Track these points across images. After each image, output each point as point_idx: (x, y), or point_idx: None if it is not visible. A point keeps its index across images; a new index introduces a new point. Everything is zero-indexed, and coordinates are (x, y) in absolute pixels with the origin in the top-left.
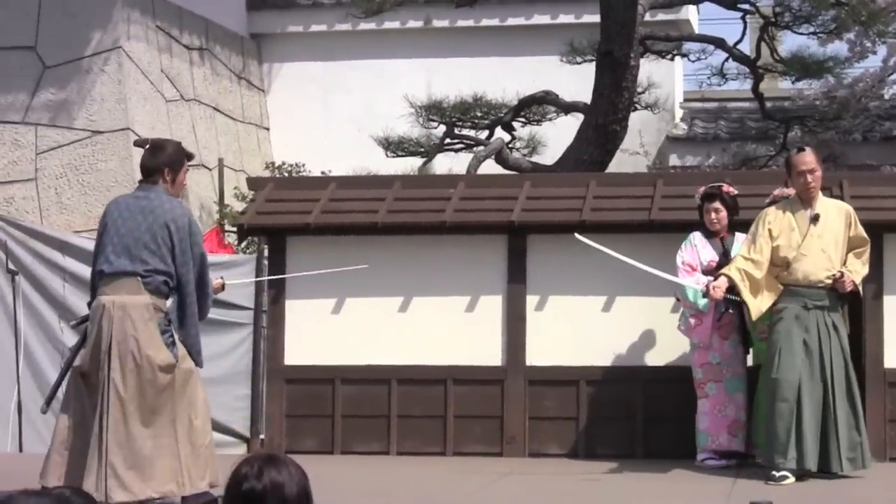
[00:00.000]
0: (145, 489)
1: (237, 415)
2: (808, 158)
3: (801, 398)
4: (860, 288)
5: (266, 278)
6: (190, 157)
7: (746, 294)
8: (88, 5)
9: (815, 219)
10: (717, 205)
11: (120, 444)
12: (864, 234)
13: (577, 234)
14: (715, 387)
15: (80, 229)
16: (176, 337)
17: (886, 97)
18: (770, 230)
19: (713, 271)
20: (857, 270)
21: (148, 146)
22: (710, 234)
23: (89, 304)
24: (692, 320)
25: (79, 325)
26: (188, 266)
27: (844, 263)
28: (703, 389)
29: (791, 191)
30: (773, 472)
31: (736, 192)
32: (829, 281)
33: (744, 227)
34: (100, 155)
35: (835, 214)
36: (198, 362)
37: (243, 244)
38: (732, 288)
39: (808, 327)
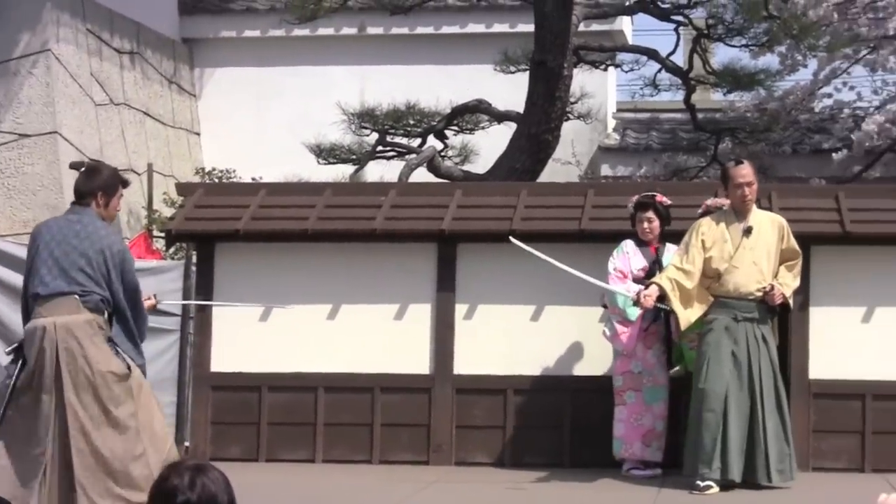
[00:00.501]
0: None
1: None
2: (746, 171)
3: (728, 409)
4: (790, 301)
5: (193, 302)
6: (125, 183)
7: (676, 304)
8: (17, 7)
9: (748, 231)
10: (651, 214)
11: (86, 466)
12: (797, 247)
13: (511, 238)
14: (634, 395)
15: (4, 233)
16: (120, 350)
17: (816, 110)
18: (703, 241)
19: (643, 280)
20: (788, 283)
21: (83, 169)
22: (641, 243)
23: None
24: (618, 327)
25: (14, 351)
26: (121, 294)
27: (776, 276)
28: (621, 397)
29: (723, 200)
30: (698, 482)
31: (669, 202)
32: (760, 293)
33: (674, 237)
34: (26, 158)
35: (768, 227)
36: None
37: (171, 250)
38: (663, 297)
39: (738, 339)
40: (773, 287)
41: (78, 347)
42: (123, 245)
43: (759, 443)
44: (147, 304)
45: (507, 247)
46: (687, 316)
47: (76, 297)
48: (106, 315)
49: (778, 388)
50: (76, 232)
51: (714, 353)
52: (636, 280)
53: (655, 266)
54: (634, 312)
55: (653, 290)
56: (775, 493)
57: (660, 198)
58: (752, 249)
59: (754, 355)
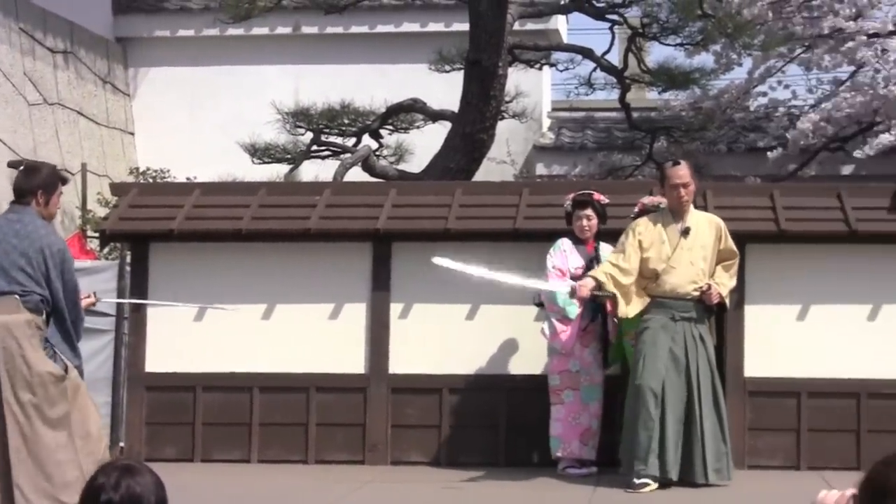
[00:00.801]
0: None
1: None
2: (683, 172)
3: (665, 407)
4: (727, 300)
5: (130, 301)
6: (64, 181)
7: (611, 286)
8: None
9: (685, 232)
10: (589, 212)
11: (23, 465)
12: (734, 248)
13: (434, 259)
14: (571, 394)
15: None
16: (56, 351)
17: (751, 109)
18: (640, 241)
19: (580, 278)
20: (725, 283)
21: (22, 168)
22: (578, 241)
23: None
24: (558, 326)
25: None
26: (60, 293)
27: (713, 276)
28: (558, 396)
29: (659, 199)
30: (634, 480)
31: (607, 200)
32: (697, 293)
33: (609, 235)
34: None
35: (705, 227)
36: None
37: (105, 250)
38: (600, 287)
39: (675, 338)
40: (709, 287)
41: (17, 347)
42: (63, 244)
43: (697, 442)
44: (86, 301)
45: (442, 245)
46: (625, 308)
47: (16, 296)
48: (44, 315)
49: (715, 386)
50: (16, 231)
51: (650, 350)
52: (574, 278)
53: (593, 263)
54: (574, 310)
55: (588, 281)
56: (712, 491)
57: (597, 196)
58: (690, 250)
59: (692, 354)
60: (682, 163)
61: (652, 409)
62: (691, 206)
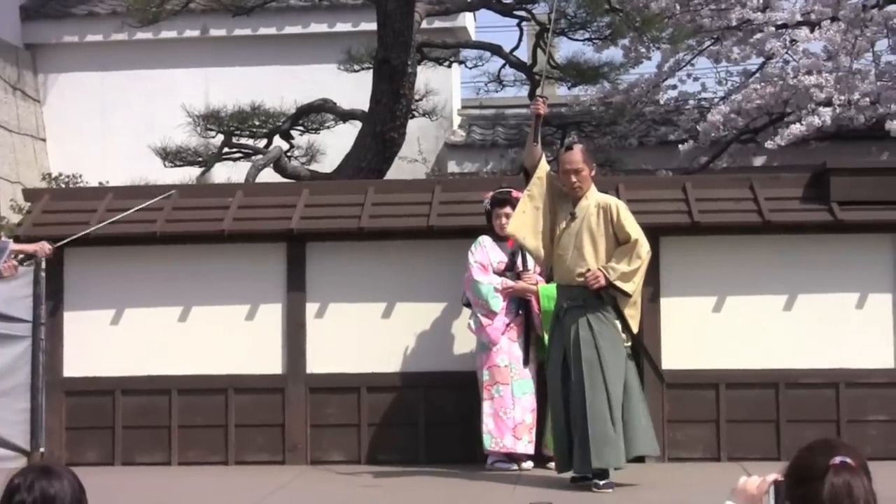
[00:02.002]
0: None
1: (18, 428)
2: (575, 157)
3: (568, 402)
4: (623, 285)
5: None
6: None
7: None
8: None
9: (571, 217)
10: (508, 210)
11: None
12: (628, 229)
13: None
14: (502, 389)
15: None
16: None
17: (662, 102)
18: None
19: (503, 273)
20: (615, 267)
21: None
22: (498, 238)
23: None
24: (483, 320)
25: None
26: None
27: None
28: (489, 391)
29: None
30: (558, 475)
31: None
32: (582, 280)
33: None
34: None
35: (593, 211)
36: None
37: (20, 256)
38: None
39: (565, 328)
40: (588, 270)
41: None
42: None
43: (575, 431)
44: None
45: (356, 244)
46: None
47: None
48: None
49: (604, 370)
50: None
51: (550, 348)
52: (496, 272)
53: (515, 257)
54: (498, 303)
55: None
56: (632, 483)
57: (516, 194)
58: (576, 235)
59: (576, 344)
60: (576, 147)
61: (557, 407)
62: (591, 191)
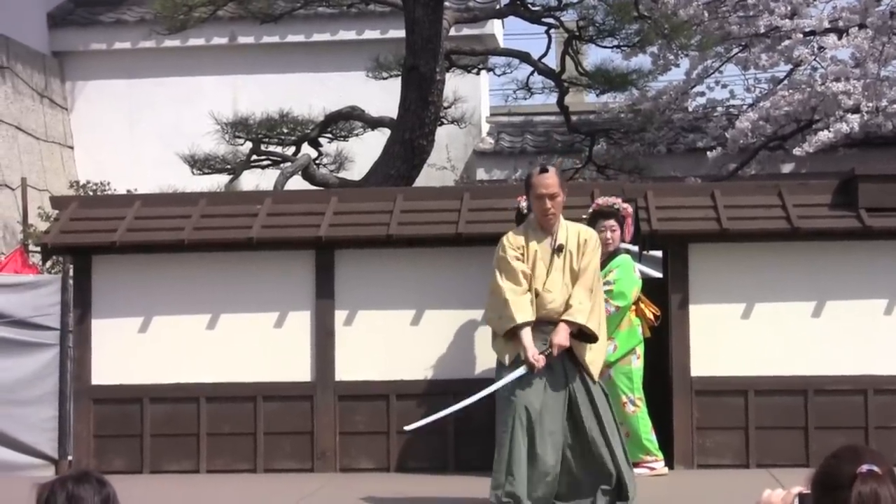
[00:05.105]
0: None
1: (45, 436)
2: (550, 181)
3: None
4: (596, 327)
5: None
6: None
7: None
8: None
9: (558, 250)
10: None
11: None
12: (587, 263)
13: (405, 428)
14: None
15: None
16: None
17: (690, 109)
18: (517, 257)
19: None
20: (583, 303)
21: None
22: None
23: None
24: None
25: None
26: None
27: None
28: None
29: (615, 199)
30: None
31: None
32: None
33: None
34: None
35: (574, 244)
36: None
37: (48, 264)
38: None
39: (553, 366)
40: (550, 343)
41: None
42: None
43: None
44: None
45: (385, 252)
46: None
47: None
48: None
49: (599, 408)
50: None
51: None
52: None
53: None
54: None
55: (536, 355)
56: (661, 492)
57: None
58: (563, 270)
59: (572, 380)
60: (551, 170)
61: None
62: (560, 220)
